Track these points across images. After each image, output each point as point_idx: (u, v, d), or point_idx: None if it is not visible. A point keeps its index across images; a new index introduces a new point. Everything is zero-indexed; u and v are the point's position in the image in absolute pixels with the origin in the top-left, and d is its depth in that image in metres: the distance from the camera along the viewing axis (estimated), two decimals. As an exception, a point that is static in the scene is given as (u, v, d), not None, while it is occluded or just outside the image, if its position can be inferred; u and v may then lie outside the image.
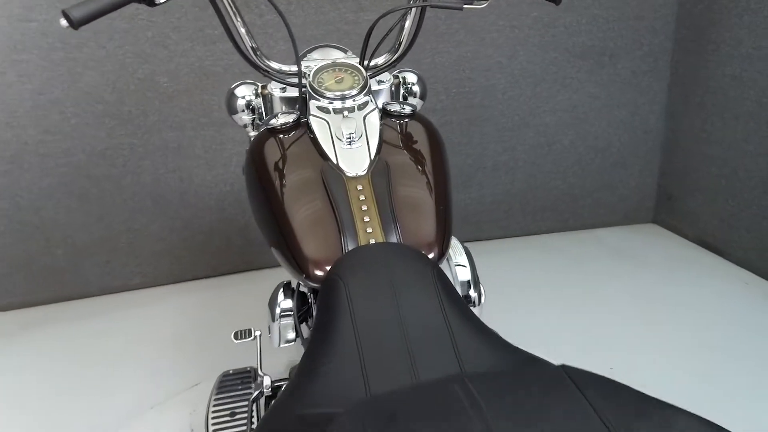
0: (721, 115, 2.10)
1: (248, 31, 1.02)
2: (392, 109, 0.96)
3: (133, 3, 0.91)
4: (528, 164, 2.35)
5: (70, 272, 2.07)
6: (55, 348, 1.84)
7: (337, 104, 0.93)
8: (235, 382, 1.34)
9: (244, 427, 1.21)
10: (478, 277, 0.96)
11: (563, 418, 0.45)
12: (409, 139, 0.93)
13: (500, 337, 0.65)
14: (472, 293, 0.93)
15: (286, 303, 0.93)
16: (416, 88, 1.17)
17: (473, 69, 2.16)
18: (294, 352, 1.08)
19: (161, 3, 0.88)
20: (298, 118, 0.95)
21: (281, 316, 0.93)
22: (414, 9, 1.03)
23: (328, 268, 0.76)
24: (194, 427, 1.48)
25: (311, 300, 0.93)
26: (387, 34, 1.00)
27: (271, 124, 0.94)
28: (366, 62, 1.03)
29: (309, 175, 0.86)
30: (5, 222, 1.96)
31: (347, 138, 0.87)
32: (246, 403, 1.27)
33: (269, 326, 0.95)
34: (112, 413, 1.54)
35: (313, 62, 1.04)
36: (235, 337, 1.15)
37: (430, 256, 0.79)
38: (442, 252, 0.81)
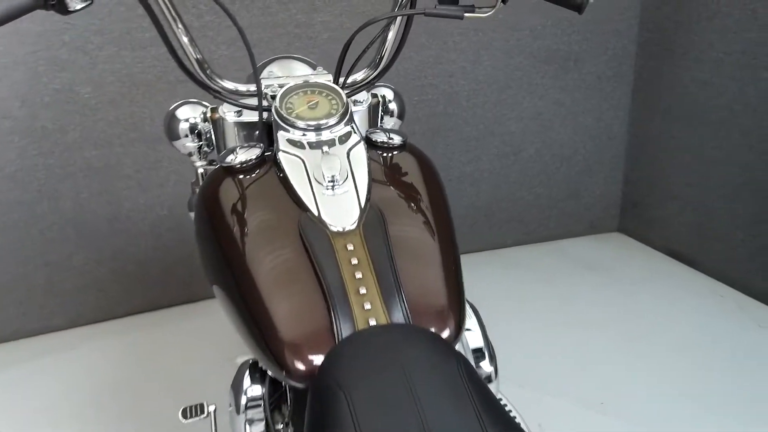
0: (689, 121, 2.04)
1: (192, 40, 0.81)
2: (378, 140, 0.78)
3: (39, 9, 0.68)
4: (493, 175, 2.21)
5: (-24, 316, 1.76)
6: (-43, 412, 1.55)
7: (313, 136, 0.73)
8: None
9: None
10: (490, 341, 0.79)
11: None
12: (402, 177, 0.75)
13: None
14: (487, 367, 0.76)
15: (254, 390, 0.72)
16: (393, 106, 0.99)
17: (436, 75, 2.00)
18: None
19: (77, 10, 0.67)
20: (263, 153, 0.75)
21: (248, 408, 0.72)
22: (400, 17, 0.85)
23: (316, 362, 0.57)
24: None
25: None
26: (369, 46, 0.82)
27: (228, 163, 0.73)
28: (342, 79, 0.84)
29: (282, 230, 0.66)
30: None
31: (329, 182, 0.67)
32: None
33: (231, 416, 0.75)
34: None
35: (275, 80, 0.84)
36: (184, 416, 0.93)
37: (445, 334, 0.61)
38: (459, 326, 0.63)
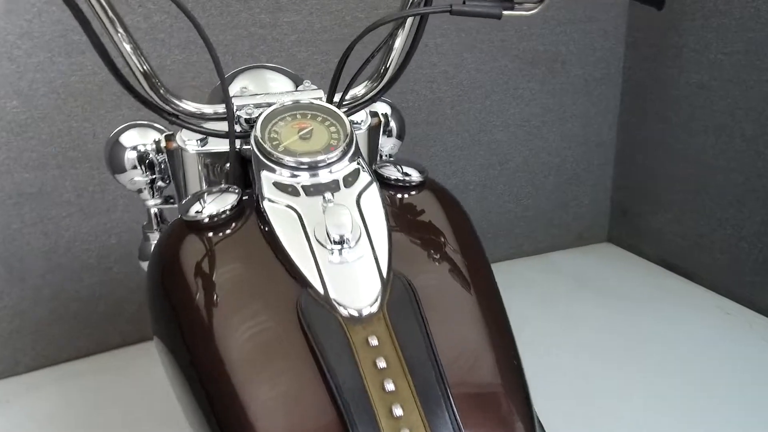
0: (685, 126, 1.91)
1: (137, 48, 0.60)
2: (391, 177, 0.59)
3: None
4: (479, 187, 2.05)
5: None
6: None
7: (307, 177, 0.54)
8: None
9: None
10: None
11: None
12: (428, 227, 0.56)
13: None
14: None
15: None
16: (391, 124, 0.81)
17: (417, 80, 1.82)
18: None
19: None
20: (240, 200, 0.55)
21: None
22: (411, 18, 0.67)
23: None
24: None
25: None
26: (375, 52, 0.63)
27: (193, 217, 0.54)
28: (339, 96, 0.65)
29: (273, 315, 0.47)
30: None
31: (337, 243, 0.48)
32: None
33: None
34: None
35: (250, 98, 0.64)
36: None
37: None
38: None
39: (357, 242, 0.49)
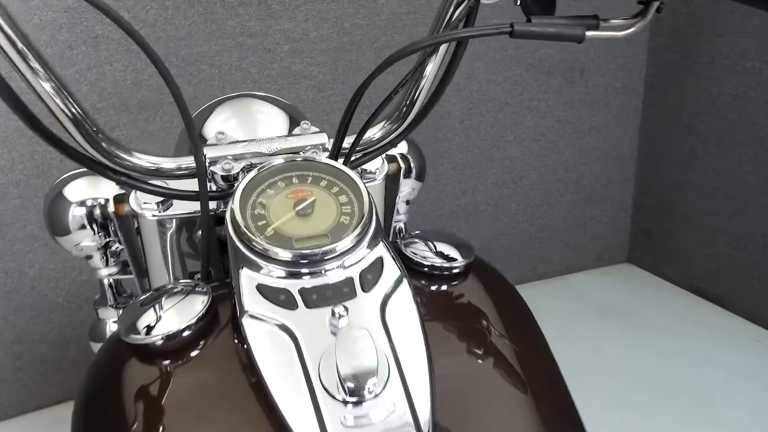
0: (718, 141, 1.75)
1: (63, 87, 0.43)
2: (424, 263, 0.42)
3: None
4: (491, 207, 1.88)
5: None
6: None
7: (309, 279, 0.37)
8: None
9: None
10: None
11: None
12: (483, 344, 0.39)
13: None
14: None
15: None
16: (410, 164, 0.65)
17: (423, 92, 1.65)
18: None
19: None
20: (209, 306, 0.38)
21: None
22: (446, 43, 0.51)
23: None
24: None
25: None
26: (398, 87, 0.47)
27: (138, 340, 0.37)
28: (350, 143, 0.48)
29: None
30: None
31: (353, 394, 0.31)
32: None
33: None
34: None
35: (227, 148, 0.47)
36: None
37: None
38: None
39: (384, 387, 0.31)
